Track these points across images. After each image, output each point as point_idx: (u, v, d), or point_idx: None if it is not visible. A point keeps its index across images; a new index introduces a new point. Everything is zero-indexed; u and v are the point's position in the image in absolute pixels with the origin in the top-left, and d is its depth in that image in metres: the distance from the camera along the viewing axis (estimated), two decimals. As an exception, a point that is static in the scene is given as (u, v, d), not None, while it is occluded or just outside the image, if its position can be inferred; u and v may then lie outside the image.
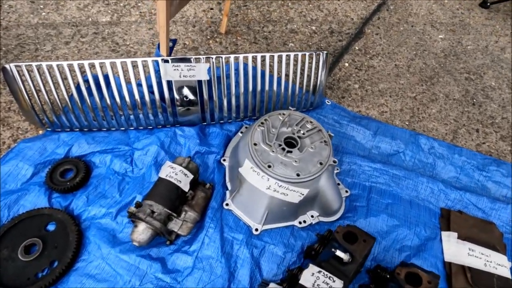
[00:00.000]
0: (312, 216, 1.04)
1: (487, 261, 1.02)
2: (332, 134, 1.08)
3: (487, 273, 0.99)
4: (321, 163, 0.96)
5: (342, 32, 1.77)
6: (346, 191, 1.11)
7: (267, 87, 1.20)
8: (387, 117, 1.40)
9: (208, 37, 1.61)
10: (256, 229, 0.99)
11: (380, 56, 1.67)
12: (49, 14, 1.57)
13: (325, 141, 1.02)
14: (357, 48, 1.69)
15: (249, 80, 1.16)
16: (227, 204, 1.03)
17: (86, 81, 1.07)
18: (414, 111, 1.44)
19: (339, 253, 0.81)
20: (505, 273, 1.00)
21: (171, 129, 1.17)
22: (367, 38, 1.76)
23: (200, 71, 1.08)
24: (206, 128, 1.22)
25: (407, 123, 1.39)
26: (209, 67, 1.08)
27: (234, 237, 0.97)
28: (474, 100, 1.54)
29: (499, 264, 1.01)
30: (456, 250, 1.03)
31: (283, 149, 0.98)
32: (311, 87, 1.27)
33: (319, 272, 0.78)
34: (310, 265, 0.80)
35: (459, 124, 1.43)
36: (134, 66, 1.07)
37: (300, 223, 1.03)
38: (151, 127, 1.18)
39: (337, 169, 1.17)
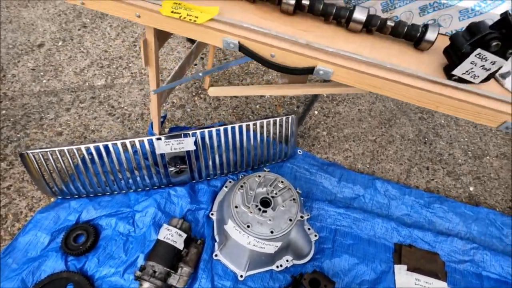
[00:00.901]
0: (287, 261, 1.26)
1: (430, 288, 1.25)
2: (300, 192, 1.30)
3: (430, 299, 1.22)
4: (290, 220, 1.18)
5: (312, 79, 2.00)
6: (315, 235, 1.33)
7: (245, 144, 1.41)
8: (351, 161, 1.64)
9: (194, 93, 1.82)
10: (241, 276, 1.20)
11: (345, 101, 1.91)
12: (49, 81, 1.75)
13: (293, 199, 1.24)
14: (325, 95, 1.93)
15: (229, 140, 1.37)
16: (216, 255, 1.24)
17: (89, 153, 1.26)
18: (374, 154, 1.68)
19: (305, 298, 1.02)
20: (445, 297, 1.24)
21: (165, 189, 1.37)
22: (334, 84, 2.00)
23: (188, 144, 1.28)
24: (196, 185, 1.42)
25: (367, 166, 1.63)
26: (195, 140, 1.29)
27: (223, 284, 1.18)
28: (426, 139, 1.79)
29: (440, 290, 1.25)
30: (406, 280, 1.26)
31: (259, 209, 1.19)
32: (283, 140, 1.49)
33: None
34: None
35: (412, 163, 1.67)
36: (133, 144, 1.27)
37: (277, 267, 1.24)
38: (148, 188, 1.38)
39: (308, 214, 1.38)
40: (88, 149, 1.24)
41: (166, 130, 1.61)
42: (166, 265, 1.11)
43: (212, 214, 1.34)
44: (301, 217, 1.20)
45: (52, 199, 1.33)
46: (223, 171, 1.45)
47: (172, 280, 1.12)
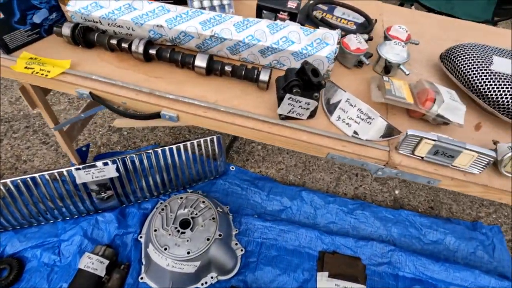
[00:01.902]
0: (211, 277, 1.30)
1: (349, 293, 1.32)
2: (227, 208, 1.35)
3: (348, 303, 1.30)
4: (208, 239, 1.23)
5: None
6: (241, 250, 1.39)
7: (174, 165, 1.45)
8: (283, 173, 1.71)
9: (131, 116, 1.85)
10: (166, 296, 1.24)
11: (282, 114, 1.99)
12: (-18, 113, 1.75)
13: (213, 218, 1.29)
14: (263, 109, 2.00)
15: (154, 163, 1.41)
16: (141, 278, 1.27)
17: (15, 186, 1.28)
18: (306, 164, 1.76)
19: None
20: (363, 300, 1.31)
21: (93, 216, 1.40)
22: (272, 97, 2.08)
23: (109, 171, 1.32)
24: (126, 209, 1.45)
25: (299, 177, 1.70)
26: (117, 167, 1.32)
27: (147, 306, 1.22)
28: (357, 146, 1.89)
29: (358, 294, 1.33)
30: (326, 287, 1.33)
31: (178, 231, 1.24)
32: (212, 158, 1.55)
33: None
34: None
35: (342, 171, 1.76)
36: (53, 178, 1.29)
37: (202, 284, 1.29)
38: (76, 216, 1.40)
39: (236, 230, 1.45)
40: (13, 181, 1.25)
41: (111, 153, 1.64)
42: (86, 293, 1.14)
43: (140, 237, 1.38)
44: (219, 235, 1.26)
45: (-23, 235, 1.33)
46: (153, 193, 1.49)
47: (92, 308, 1.15)
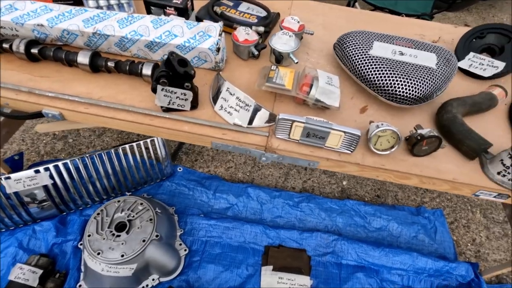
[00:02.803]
0: (153, 279, 1.29)
1: (292, 284, 1.34)
2: (173, 209, 1.35)
3: (291, 294, 1.31)
4: (144, 240, 1.22)
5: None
6: (185, 250, 1.38)
7: (113, 170, 1.44)
8: (232, 171, 1.72)
9: (78, 123, 1.83)
10: (105, 302, 1.22)
11: (233, 113, 2.00)
12: None
13: (150, 219, 1.28)
14: (214, 109, 2.01)
15: (91, 168, 1.39)
16: (80, 285, 1.25)
17: None
18: (255, 162, 1.77)
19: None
20: (306, 290, 1.33)
21: (30, 226, 1.36)
22: (225, 97, 2.09)
23: (42, 179, 1.29)
24: (67, 217, 1.42)
25: (248, 174, 1.72)
26: (50, 174, 1.30)
27: (84, 314, 1.19)
28: (307, 141, 1.92)
29: (301, 285, 1.34)
30: (270, 280, 1.34)
31: (113, 234, 1.22)
32: (155, 161, 1.54)
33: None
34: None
35: (291, 165, 1.78)
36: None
37: (143, 287, 1.27)
38: (12, 227, 1.36)
39: (181, 230, 1.44)
40: None
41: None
42: (15, 305, 1.11)
43: (80, 244, 1.35)
44: (156, 236, 1.25)
45: None
46: (95, 199, 1.47)
47: (23, 319, 1.11)
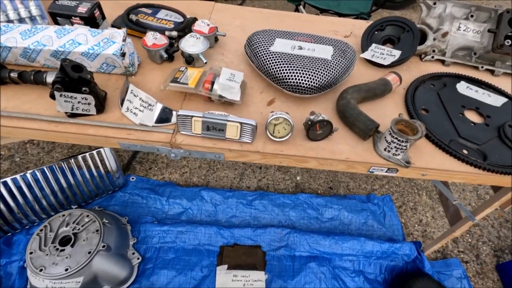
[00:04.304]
0: (104, 291, 1.28)
1: (246, 281, 1.36)
2: (126, 219, 1.34)
3: (245, 291, 1.33)
4: (89, 252, 1.21)
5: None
6: (138, 258, 1.38)
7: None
8: (187, 176, 1.73)
9: (26, 141, 1.78)
10: (53, 320, 1.19)
11: (188, 120, 2.02)
12: None
13: (97, 230, 1.27)
14: (169, 117, 2.02)
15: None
16: (26, 306, 1.21)
17: None
18: (210, 165, 1.80)
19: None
20: (261, 285, 1.36)
21: (-29, 251, 1.31)
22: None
23: (-21, 200, 1.25)
24: (12, 237, 1.38)
25: (203, 178, 1.74)
26: (-12, 194, 1.26)
27: (30, 334, 1.16)
28: (262, 141, 1.97)
29: (256, 280, 1.37)
30: (225, 279, 1.36)
31: (57, 249, 1.20)
32: (105, 171, 1.53)
33: None
34: None
35: (246, 166, 1.82)
36: None
37: (94, 300, 1.26)
38: (-48, 254, 1.31)
39: (134, 239, 1.43)
40: None
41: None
42: (-48, 334, 1.06)
43: (26, 265, 1.32)
44: (103, 246, 1.24)
45: None
46: (41, 217, 1.43)
47: None
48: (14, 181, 1.32)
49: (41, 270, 1.15)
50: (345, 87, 0.85)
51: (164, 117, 0.73)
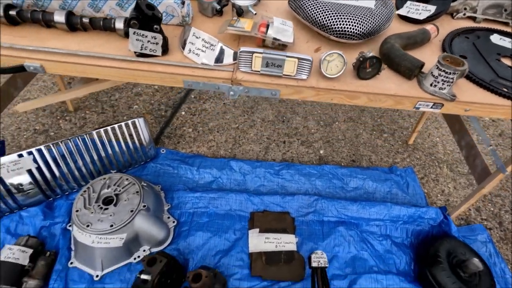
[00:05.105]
0: (144, 250, 1.33)
1: (278, 243, 1.41)
2: (145, 184, 1.40)
3: (278, 252, 1.38)
4: (132, 211, 1.27)
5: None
6: (174, 222, 1.43)
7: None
8: (214, 150, 1.79)
9: (58, 117, 1.85)
10: (97, 275, 1.25)
11: (212, 99, 2.08)
12: None
13: (137, 192, 1.33)
14: (193, 96, 2.08)
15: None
16: (71, 263, 1.27)
17: None
18: (236, 139, 1.85)
19: (142, 275, 1.11)
20: (292, 247, 1.40)
21: (17, 213, 1.38)
22: (202, 85, 2.17)
23: (26, 163, 1.32)
24: (53, 202, 1.45)
25: (229, 151, 1.79)
26: (34, 157, 1.33)
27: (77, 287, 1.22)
28: (284, 118, 2.02)
29: (287, 242, 1.42)
30: (257, 241, 1.41)
31: (101, 207, 1.26)
32: (139, 142, 1.59)
33: (124, 295, 1.07)
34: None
35: (270, 140, 1.87)
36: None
37: (135, 258, 1.31)
38: (-1, 216, 1.37)
39: (168, 205, 1.49)
40: None
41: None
42: (7, 283, 1.12)
43: (69, 226, 1.38)
44: (144, 206, 1.30)
45: None
46: (80, 183, 1.50)
47: (16, 296, 1.13)
48: (57, 147, 1.38)
49: (88, 226, 1.21)
50: (384, 37, 0.91)
51: (224, 57, 0.78)
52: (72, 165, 1.43)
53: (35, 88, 2.01)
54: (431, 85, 0.78)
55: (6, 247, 1.20)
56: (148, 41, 0.74)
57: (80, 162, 1.45)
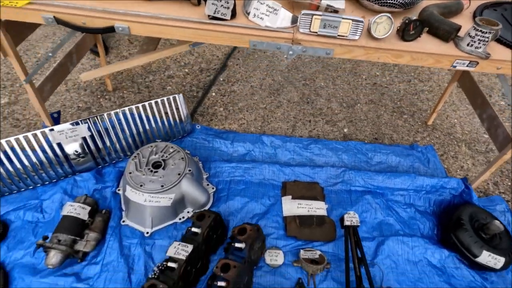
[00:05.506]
0: (188, 212, 1.45)
1: (310, 208, 1.52)
2: (189, 152, 1.52)
3: (310, 216, 1.49)
4: (179, 174, 1.39)
5: (209, 68, 2.27)
6: (213, 188, 1.55)
7: (147, 127, 1.60)
8: (245, 127, 1.90)
9: (99, 96, 1.98)
10: (147, 232, 1.37)
11: (239, 81, 2.20)
12: None
13: (182, 158, 1.45)
14: (221, 79, 2.20)
15: (122, 124, 1.55)
16: (123, 221, 1.40)
17: None
18: (264, 118, 1.96)
19: (193, 228, 1.23)
20: (322, 212, 1.51)
21: (72, 177, 1.50)
22: (229, 69, 2.29)
23: (81, 130, 1.45)
24: (102, 169, 1.57)
25: (259, 128, 1.90)
26: (88, 126, 1.46)
27: (130, 242, 1.34)
28: (308, 99, 2.13)
29: (318, 208, 1.52)
30: (290, 206, 1.52)
31: (151, 171, 1.38)
32: (178, 118, 1.71)
33: (179, 244, 1.18)
34: (174, 242, 1.20)
35: (297, 119, 1.98)
36: (27, 140, 1.40)
37: (180, 219, 1.43)
38: (55, 180, 1.50)
39: (207, 174, 1.61)
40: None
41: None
42: (71, 234, 1.25)
43: (118, 190, 1.50)
44: (189, 170, 1.42)
45: (-42, 208, 1.40)
46: (126, 153, 1.62)
47: (79, 246, 1.25)
48: (109, 117, 1.50)
49: (141, 186, 1.33)
50: (423, 6, 1.01)
51: (285, 20, 0.89)
52: (120, 134, 1.56)
53: (75, 70, 2.14)
54: (467, 45, 0.89)
55: (68, 204, 1.33)
56: (221, 5, 0.85)
57: (127, 132, 1.57)
